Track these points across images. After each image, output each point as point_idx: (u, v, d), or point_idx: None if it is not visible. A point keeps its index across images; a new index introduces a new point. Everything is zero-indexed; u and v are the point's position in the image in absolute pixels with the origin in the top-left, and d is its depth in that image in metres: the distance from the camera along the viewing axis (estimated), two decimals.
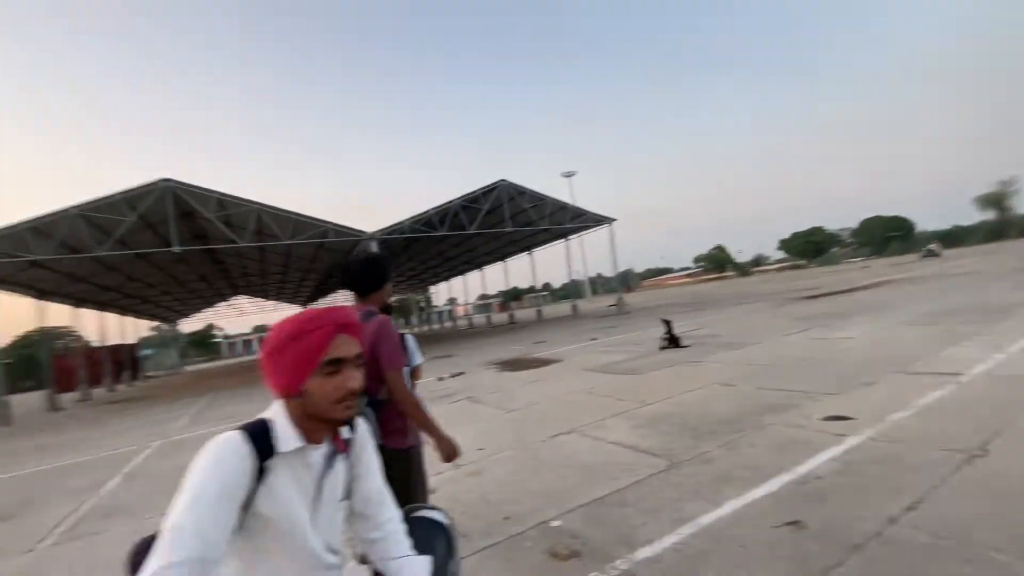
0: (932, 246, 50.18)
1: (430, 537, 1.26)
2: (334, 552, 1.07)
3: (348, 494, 1.14)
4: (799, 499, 2.74)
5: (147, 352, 41.77)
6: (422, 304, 61.43)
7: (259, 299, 45.07)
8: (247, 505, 0.92)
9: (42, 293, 20.48)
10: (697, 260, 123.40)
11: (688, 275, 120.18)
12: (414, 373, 2.37)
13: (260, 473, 0.93)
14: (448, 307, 64.44)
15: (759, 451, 3.54)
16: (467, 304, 63.86)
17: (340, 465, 1.10)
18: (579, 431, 4.76)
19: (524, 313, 51.45)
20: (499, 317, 49.37)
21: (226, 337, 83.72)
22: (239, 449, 0.92)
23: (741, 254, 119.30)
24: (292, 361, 0.98)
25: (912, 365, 5.37)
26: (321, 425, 1.04)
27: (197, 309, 43.70)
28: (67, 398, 22.45)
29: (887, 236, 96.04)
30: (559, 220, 25.06)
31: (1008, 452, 2.95)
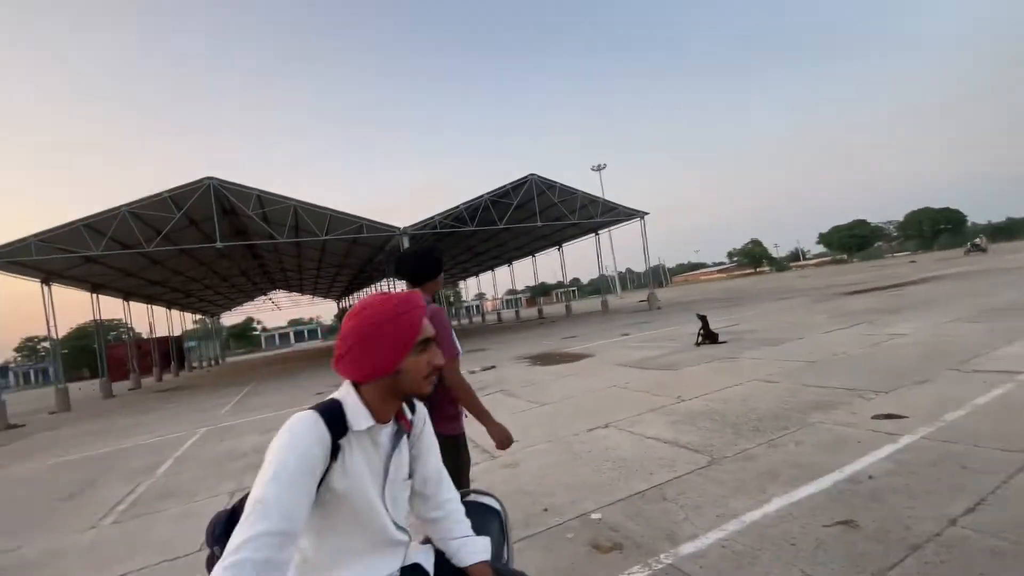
0: (977, 240, 47.44)
1: (485, 521, 1.28)
2: (402, 529, 1.10)
3: (411, 473, 1.17)
4: (851, 498, 2.64)
5: (191, 344, 43.69)
6: (451, 299, 62.06)
7: (295, 293, 46.56)
8: (323, 481, 0.96)
9: (95, 287, 21.71)
10: (731, 255, 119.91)
11: (721, 270, 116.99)
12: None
13: (334, 451, 0.97)
14: (477, 302, 64.92)
15: (806, 449, 3.43)
16: (495, 299, 64.20)
17: (404, 445, 1.13)
18: (614, 425, 4.72)
19: (552, 308, 51.33)
20: (527, 312, 49.40)
21: (264, 330, 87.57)
22: (316, 427, 0.95)
23: (778, 248, 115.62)
24: (391, 342, 1.02)
25: (967, 363, 5.10)
26: (395, 404, 1.08)
27: (237, 303, 45.57)
28: (119, 386, 23.74)
29: (936, 229, 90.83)
30: (590, 214, 24.82)
31: None
